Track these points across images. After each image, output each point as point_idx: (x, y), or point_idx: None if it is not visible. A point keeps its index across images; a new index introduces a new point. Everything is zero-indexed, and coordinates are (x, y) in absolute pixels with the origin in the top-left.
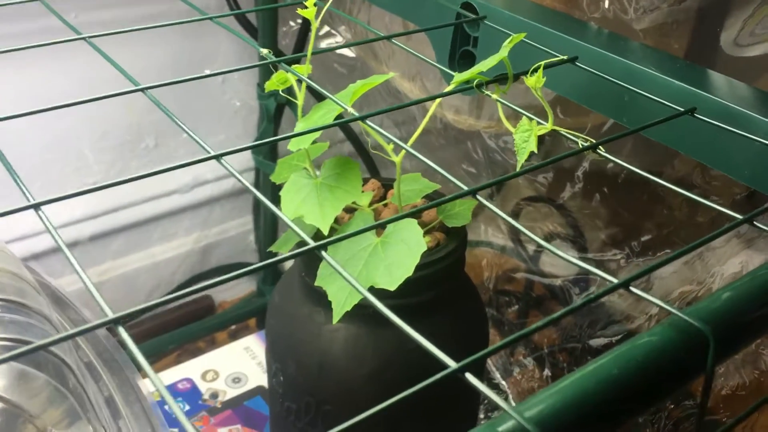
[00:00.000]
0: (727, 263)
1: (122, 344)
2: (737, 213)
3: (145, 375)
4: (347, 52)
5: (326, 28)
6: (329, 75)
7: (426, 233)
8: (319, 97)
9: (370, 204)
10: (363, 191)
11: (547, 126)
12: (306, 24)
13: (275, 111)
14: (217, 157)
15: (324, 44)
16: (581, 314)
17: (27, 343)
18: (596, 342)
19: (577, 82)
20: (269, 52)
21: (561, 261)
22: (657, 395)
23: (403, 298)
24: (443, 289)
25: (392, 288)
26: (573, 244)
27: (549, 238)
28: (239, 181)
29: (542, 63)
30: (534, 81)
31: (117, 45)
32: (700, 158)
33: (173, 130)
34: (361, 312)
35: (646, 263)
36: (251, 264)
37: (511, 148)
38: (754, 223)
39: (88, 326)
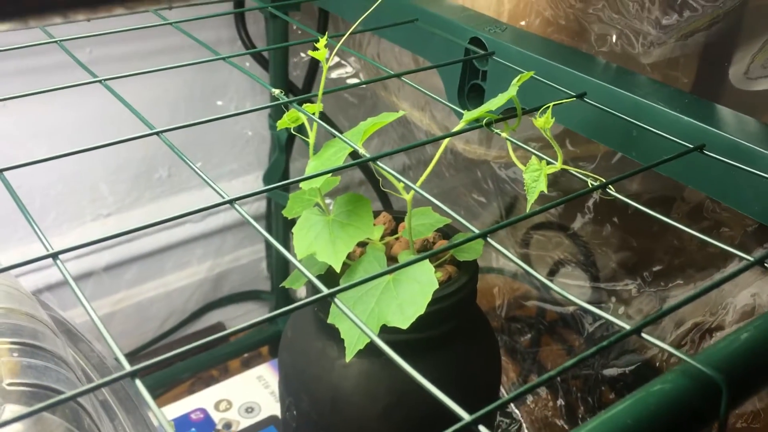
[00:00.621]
0: (740, 295)
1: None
2: (751, 243)
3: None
4: (354, 81)
5: (336, 59)
6: (340, 105)
7: (437, 267)
8: (324, 120)
9: (382, 237)
10: (374, 225)
11: (557, 165)
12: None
13: (286, 141)
14: (231, 202)
15: (334, 74)
16: (593, 343)
17: (44, 387)
18: (609, 372)
19: (586, 117)
20: (281, 92)
21: (573, 288)
22: None
23: (416, 332)
24: (455, 323)
25: (404, 326)
26: (585, 273)
27: (560, 265)
28: (254, 227)
29: (551, 104)
30: (542, 122)
31: (132, 77)
32: (709, 193)
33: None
34: (374, 348)
35: (658, 293)
36: (264, 291)
37: (520, 179)
38: (765, 264)
39: (106, 380)
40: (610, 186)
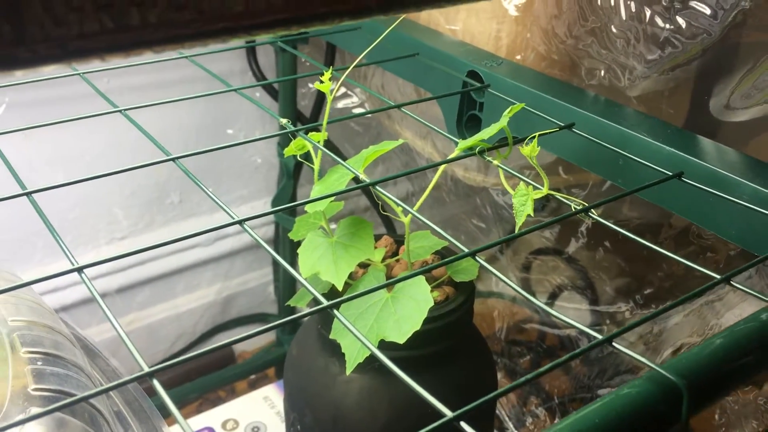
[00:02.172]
0: (725, 315)
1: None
2: (737, 265)
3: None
4: (360, 111)
5: (343, 90)
6: (346, 133)
7: (435, 288)
8: (330, 147)
9: (383, 260)
10: (376, 247)
11: (543, 191)
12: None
13: (294, 168)
14: (241, 222)
15: (341, 104)
16: (590, 364)
17: (66, 393)
18: (605, 392)
19: (575, 146)
20: (288, 122)
21: (571, 311)
22: None
23: (414, 349)
24: (452, 341)
25: (401, 341)
26: (583, 296)
27: (560, 289)
28: (260, 245)
29: (536, 134)
30: (529, 150)
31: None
32: (689, 218)
33: (196, 187)
34: (374, 363)
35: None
36: (271, 315)
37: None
38: (731, 282)
39: (126, 379)
40: (592, 210)
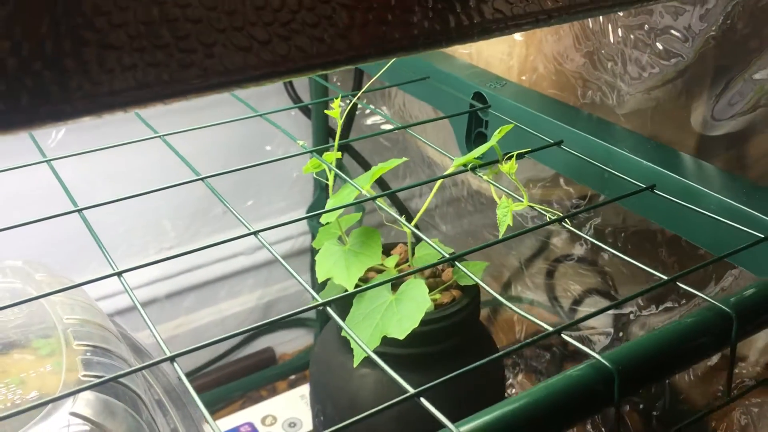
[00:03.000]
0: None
1: (197, 390)
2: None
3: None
4: (389, 126)
5: (371, 107)
6: (377, 148)
7: (443, 291)
8: (364, 165)
9: (397, 265)
10: (391, 254)
11: (523, 203)
12: (352, 107)
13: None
14: (255, 233)
15: (370, 121)
16: None
17: (118, 381)
18: None
19: (567, 161)
20: (304, 144)
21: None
22: (570, 419)
23: (422, 347)
24: (459, 339)
25: (401, 337)
26: (605, 300)
27: (583, 295)
28: (271, 253)
29: (515, 153)
30: (508, 167)
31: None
32: (665, 226)
33: (240, 199)
34: (385, 358)
35: (651, 317)
36: (309, 319)
37: (527, 215)
38: (678, 283)
39: (152, 362)
40: (566, 220)
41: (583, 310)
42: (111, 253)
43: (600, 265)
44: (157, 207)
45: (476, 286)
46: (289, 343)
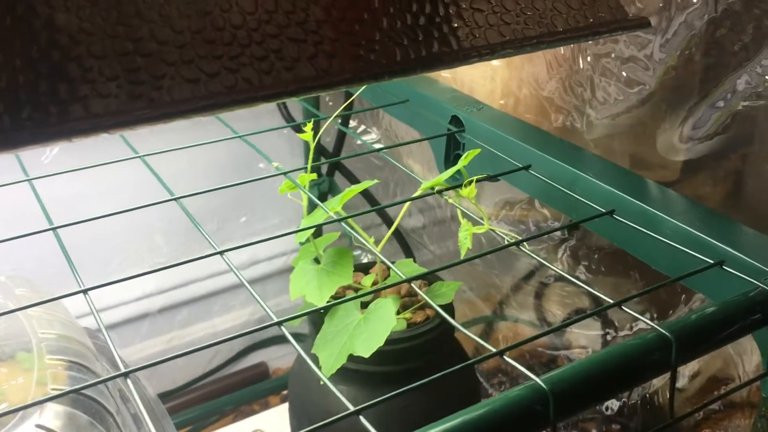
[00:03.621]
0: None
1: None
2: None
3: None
4: (379, 146)
5: (363, 127)
6: (368, 167)
7: (418, 310)
8: (352, 179)
9: (374, 284)
10: (370, 273)
11: (484, 227)
12: (345, 125)
13: (318, 197)
14: (221, 253)
15: (360, 141)
16: None
17: (83, 395)
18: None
19: (537, 184)
20: (279, 166)
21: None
22: None
23: (397, 364)
24: (432, 357)
25: (366, 355)
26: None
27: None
28: (236, 275)
29: (474, 178)
30: (467, 192)
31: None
32: (626, 249)
33: (232, 216)
34: (360, 377)
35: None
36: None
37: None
38: (622, 307)
39: (104, 378)
40: (524, 243)
41: (573, 330)
42: (107, 264)
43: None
44: (151, 222)
45: (450, 305)
46: (282, 358)
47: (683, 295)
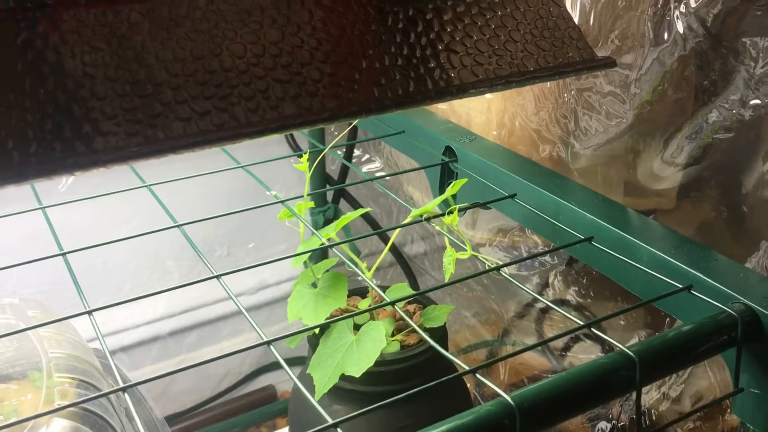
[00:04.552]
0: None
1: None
2: None
3: None
4: (381, 173)
5: (366, 155)
6: (371, 193)
7: (411, 332)
8: (356, 206)
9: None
10: (366, 297)
11: (467, 252)
12: (348, 154)
13: (323, 224)
14: (218, 277)
15: (365, 168)
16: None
17: (89, 411)
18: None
19: (523, 212)
20: (276, 194)
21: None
22: None
23: (390, 384)
24: (424, 379)
25: (357, 375)
26: (595, 344)
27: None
28: (234, 302)
29: (457, 207)
30: (450, 220)
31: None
32: (605, 273)
33: (242, 241)
34: (357, 397)
35: None
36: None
37: (501, 259)
38: (592, 329)
39: (103, 393)
40: (505, 268)
41: (571, 355)
42: (119, 289)
43: (588, 310)
44: (162, 248)
45: (443, 328)
46: (290, 381)
47: (667, 319)
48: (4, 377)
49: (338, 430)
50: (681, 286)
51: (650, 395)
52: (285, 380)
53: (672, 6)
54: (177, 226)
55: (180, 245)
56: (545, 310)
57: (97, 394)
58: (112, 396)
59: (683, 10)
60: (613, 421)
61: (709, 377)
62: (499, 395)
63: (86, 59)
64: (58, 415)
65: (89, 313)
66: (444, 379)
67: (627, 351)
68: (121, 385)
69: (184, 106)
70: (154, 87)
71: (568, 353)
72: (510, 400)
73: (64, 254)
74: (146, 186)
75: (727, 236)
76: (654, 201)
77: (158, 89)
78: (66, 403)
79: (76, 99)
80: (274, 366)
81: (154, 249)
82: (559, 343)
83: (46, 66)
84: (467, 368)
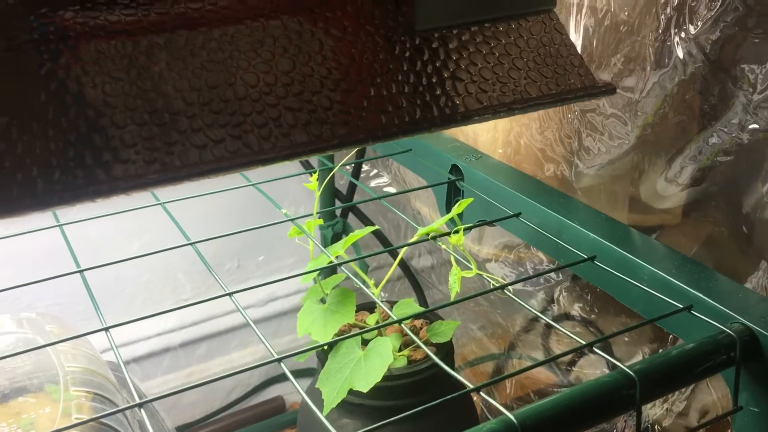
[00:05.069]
0: None
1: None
2: None
3: None
4: (390, 189)
5: (375, 171)
6: (380, 208)
7: (418, 348)
8: (365, 220)
9: (377, 322)
10: (374, 311)
11: (472, 271)
12: (357, 170)
13: (332, 239)
14: (230, 295)
15: (373, 183)
16: None
17: (105, 425)
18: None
19: (527, 230)
20: (286, 212)
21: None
22: None
23: (398, 399)
24: (431, 394)
25: (365, 390)
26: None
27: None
28: (245, 317)
29: (461, 227)
30: (456, 239)
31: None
32: (608, 292)
33: (251, 254)
34: (362, 409)
35: None
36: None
37: (507, 275)
38: (594, 349)
39: (123, 408)
40: (509, 288)
41: (577, 369)
42: (132, 302)
43: (593, 325)
44: (173, 262)
45: (449, 343)
46: (297, 392)
47: (669, 337)
48: (22, 390)
49: None
50: (681, 306)
51: (654, 410)
52: (293, 392)
53: (672, 32)
54: (190, 244)
55: (192, 259)
56: (551, 325)
57: (115, 409)
58: (120, 404)
59: (683, 36)
60: None
61: (712, 393)
62: (502, 413)
63: (107, 89)
64: (75, 430)
65: (106, 330)
66: (448, 397)
67: (627, 370)
68: (136, 398)
69: (199, 134)
70: (171, 116)
71: (573, 368)
72: (513, 418)
73: (81, 271)
74: (160, 204)
75: (729, 256)
76: (660, 218)
77: (175, 118)
78: (84, 417)
79: (97, 128)
80: (283, 378)
81: (166, 263)
82: (566, 358)
83: (68, 96)
84: (471, 386)
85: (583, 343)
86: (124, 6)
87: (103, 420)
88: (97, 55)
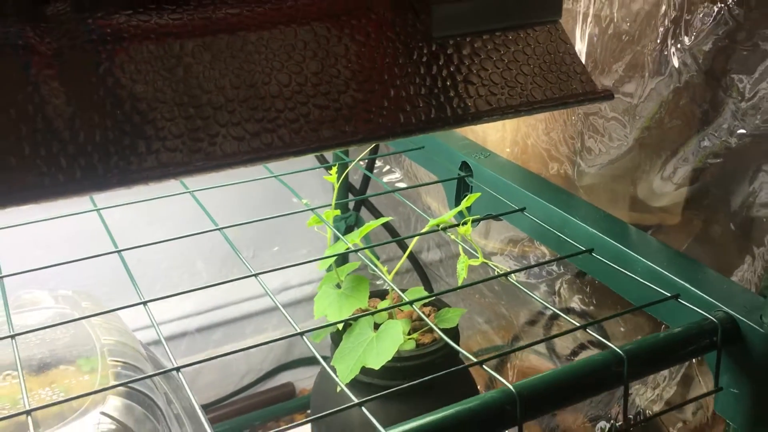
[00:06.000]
0: None
1: (223, 417)
2: None
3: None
4: (402, 184)
5: (387, 167)
6: (391, 202)
7: (426, 332)
8: (376, 214)
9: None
10: (386, 298)
11: (479, 260)
12: (371, 166)
13: (345, 230)
14: (256, 275)
15: (386, 179)
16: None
17: (137, 391)
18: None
19: (531, 224)
20: (307, 202)
21: None
22: None
23: (405, 380)
24: (438, 376)
25: (377, 368)
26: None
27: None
28: (269, 294)
29: (470, 218)
30: (464, 230)
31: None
32: (604, 282)
33: (267, 243)
34: (372, 389)
35: None
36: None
37: (512, 267)
38: (588, 330)
39: (161, 371)
40: (512, 275)
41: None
42: (151, 287)
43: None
44: (192, 248)
45: (455, 329)
46: (309, 379)
47: (663, 325)
48: (62, 359)
49: (363, 408)
50: (669, 295)
51: (645, 395)
52: (303, 378)
53: (669, 43)
54: (218, 229)
55: (209, 247)
56: (554, 318)
57: (153, 372)
58: (156, 379)
59: (679, 47)
60: (612, 421)
61: (704, 388)
62: (503, 385)
63: (157, 85)
64: (112, 393)
65: (144, 303)
66: (455, 368)
67: (617, 349)
68: (173, 362)
69: (238, 128)
70: (213, 110)
71: (574, 359)
72: (512, 388)
73: (119, 251)
74: (189, 192)
75: (718, 250)
76: (658, 216)
77: (217, 112)
78: (117, 383)
79: (148, 120)
80: (294, 364)
81: (184, 251)
82: (567, 350)
83: (123, 91)
84: (475, 360)
85: (578, 325)
86: (171, 11)
87: (137, 387)
88: (148, 55)
